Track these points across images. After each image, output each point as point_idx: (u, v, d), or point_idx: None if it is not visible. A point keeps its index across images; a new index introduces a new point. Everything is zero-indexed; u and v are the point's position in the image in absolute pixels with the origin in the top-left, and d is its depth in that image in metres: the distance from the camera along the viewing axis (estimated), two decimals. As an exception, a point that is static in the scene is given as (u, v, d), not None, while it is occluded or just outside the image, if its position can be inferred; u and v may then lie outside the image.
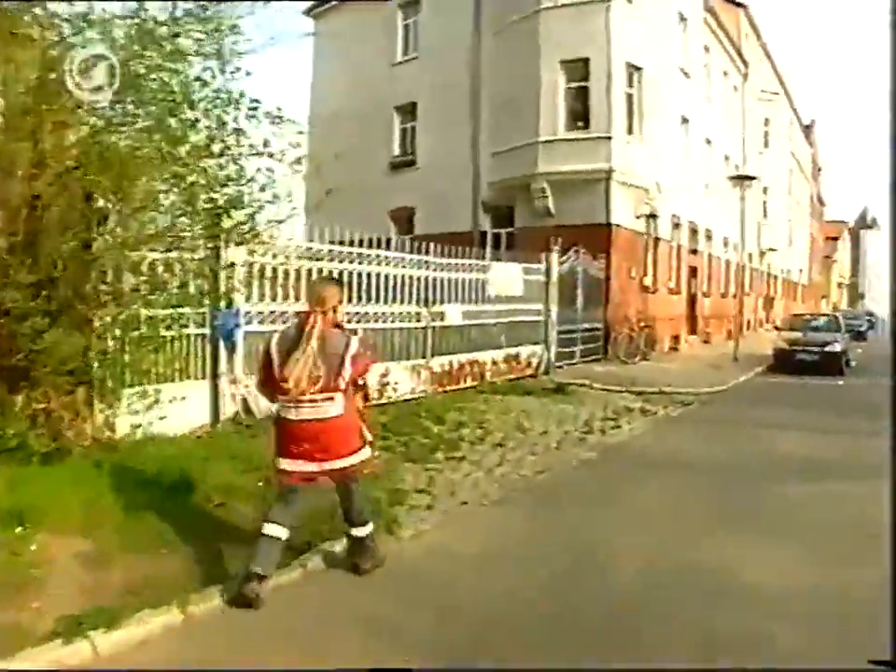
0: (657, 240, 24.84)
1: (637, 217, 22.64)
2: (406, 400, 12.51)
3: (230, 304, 9.73)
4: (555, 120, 21.60)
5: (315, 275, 11.17)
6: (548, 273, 17.33)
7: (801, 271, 58.66)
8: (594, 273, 20.00)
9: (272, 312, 10.46)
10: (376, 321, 12.22)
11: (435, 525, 6.64)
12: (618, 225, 21.42)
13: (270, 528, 4.99)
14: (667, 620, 4.79)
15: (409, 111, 27.89)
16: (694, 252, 29.49)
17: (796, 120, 55.33)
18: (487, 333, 15.24)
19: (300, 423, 4.97)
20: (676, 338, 26.58)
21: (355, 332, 5.85)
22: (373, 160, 28.08)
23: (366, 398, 5.69)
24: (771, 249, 41.98)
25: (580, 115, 21.64)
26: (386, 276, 12.51)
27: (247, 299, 10.12)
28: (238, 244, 8.67)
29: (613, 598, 5.13)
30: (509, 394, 14.12)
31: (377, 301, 12.34)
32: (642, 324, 21.89)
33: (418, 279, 13.23)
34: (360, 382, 5.39)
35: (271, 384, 5.09)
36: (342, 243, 11.95)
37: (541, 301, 17.26)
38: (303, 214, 10.78)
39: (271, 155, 8.00)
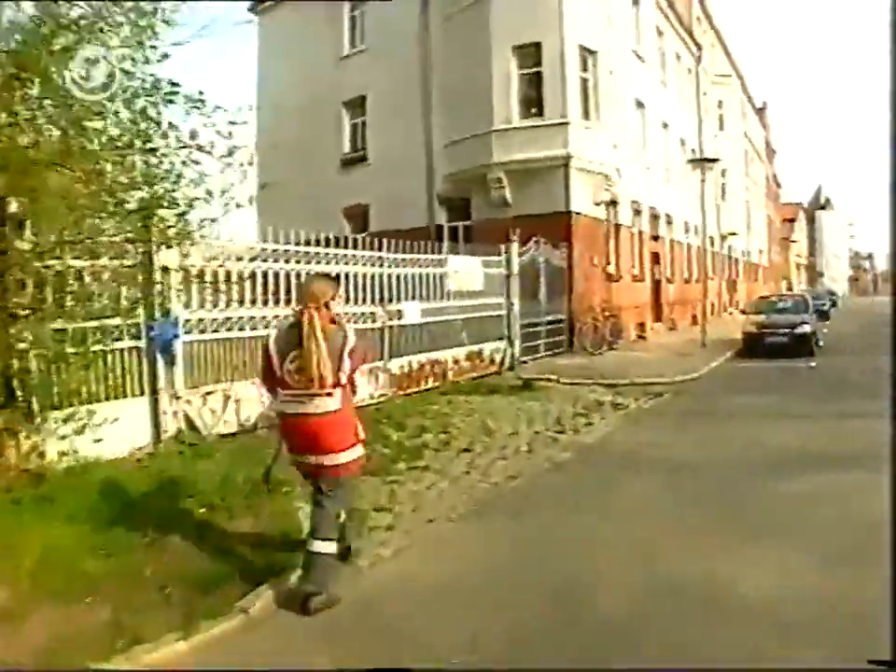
0: (618, 227, 24.33)
1: (597, 204, 22.09)
2: (363, 407, 11.84)
3: (166, 313, 9.00)
4: (509, 108, 20.98)
5: (260, 277, 10.52)
6: (508, 264, 16.70)
7: (761, 252, 58.80)
8: (556, 264, 19.42)
9: (214, 319, 9.74)
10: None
11: (397, 549, 5.92)
12: (578, 213, 20.84)
13: (310, 545, 4.94)
14: (664, 648, 4.18)
15: (358, 105, 27.11)
16: (656, 238, 29.10)
17: (749, 103, 55.30)
18: (448, 331, 14.59)
19: (300, 417, 4.90)
20: (641, 326, 26.12)
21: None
22: (324, 157, 27.38)
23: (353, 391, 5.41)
24: (732, 233, 41.84)
25: (534, 102, 21.04)
26: (337, 275, 11.79)
27: (186, 306, 9.39)
28: (168, 246, 7.93)
29: (602, 633, 4.44)
30: (473, 394, 13.46)
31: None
32: (607, 313, 21.37)
33: (372, 277, 12.54)
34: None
35: (271, 381, 5.05)
36: (298, 243, 11.32)
37: (503, 295, 16.63)
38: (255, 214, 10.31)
39: (200, 148, 7.32)
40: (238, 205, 7.69)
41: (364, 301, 12.35)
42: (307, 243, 11.62)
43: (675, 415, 11.96)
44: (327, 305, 4.95)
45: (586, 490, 7.63)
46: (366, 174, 26.14)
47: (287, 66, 28.24)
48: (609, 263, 23.32)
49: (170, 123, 7.08)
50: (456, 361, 14.69)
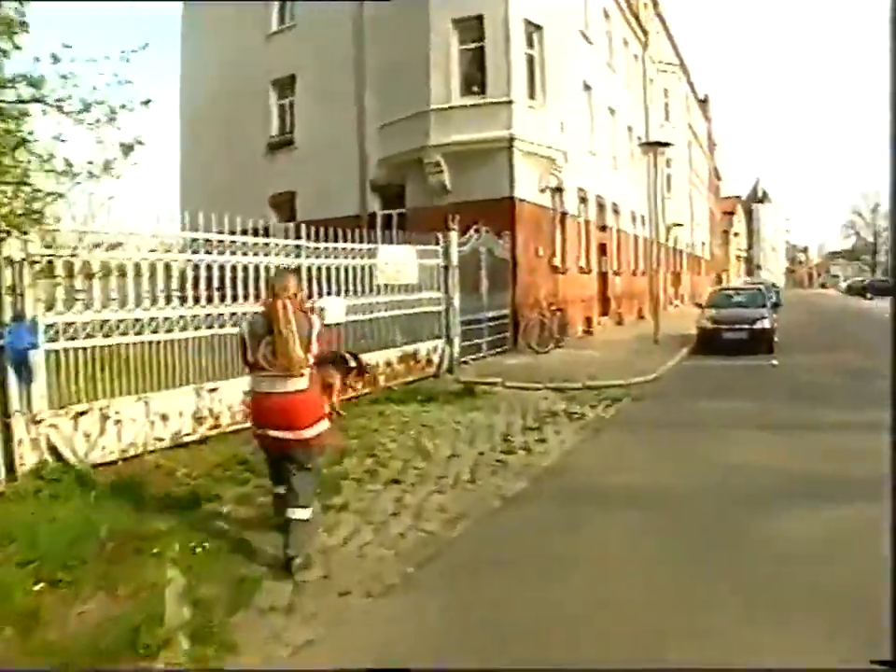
0: (564, 215, 22.76)
1: (543, 191, 20.51)
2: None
3: (19, 317, 7.14)
4: (449, 87, 19.25)
5: (147, 270, 8.72)
6: (447, 255, 15.01)
7: (703, 245, 58.18)
8: (499, 254, 17.79)
9: (87, 323, 7.91)
10: (221, 325, 9.66)
11: (295, 646, 4.25)
12: (522, 199, 19.22)
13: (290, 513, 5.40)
14: None
15: (287, 85, 25.15)
16: (603, 228, 27.66)
17: (692, 95, 54.47)
18: (379, 329, 12.88)
19: (275, 396, 5.36)
20: (588, 321, 24.67)
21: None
22: (251, 141, 25.41)
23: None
24: (677, 224, 40.82)
25: (476, 79, 19.36)
26: (246, 267, 10.00)
27: (49, 307, 7.53)
28: (7, 232, 6.11)
29: None
30: (407, 402, 11.78)
31: (231, 299, 9.82)
32: (553, 308, 19.81)
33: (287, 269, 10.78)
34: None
35: (247, 363, 5.56)
36: (220, 232, 9.75)
37: (441, 289, 14.95)
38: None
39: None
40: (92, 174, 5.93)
41: (257, 297, 10.56)
42: (233, 233, 9.93)
43: (638, 427, 10.47)
44: (295, 295, 5.51)
45: (549, 540, 5.97)
46: (294, 159, 24.28)
47: (212, 44, 26.34)
48: (554, 254, 21.76)
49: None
50: (389, 364, 12.99)
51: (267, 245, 10.42)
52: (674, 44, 45.57)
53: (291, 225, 11.51)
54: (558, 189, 21.61)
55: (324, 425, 5.58)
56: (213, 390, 9.31)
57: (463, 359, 15.44)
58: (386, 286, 13.06)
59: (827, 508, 6.36)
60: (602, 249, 27.59)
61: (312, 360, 5.36)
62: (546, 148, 19.78)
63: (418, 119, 19.46)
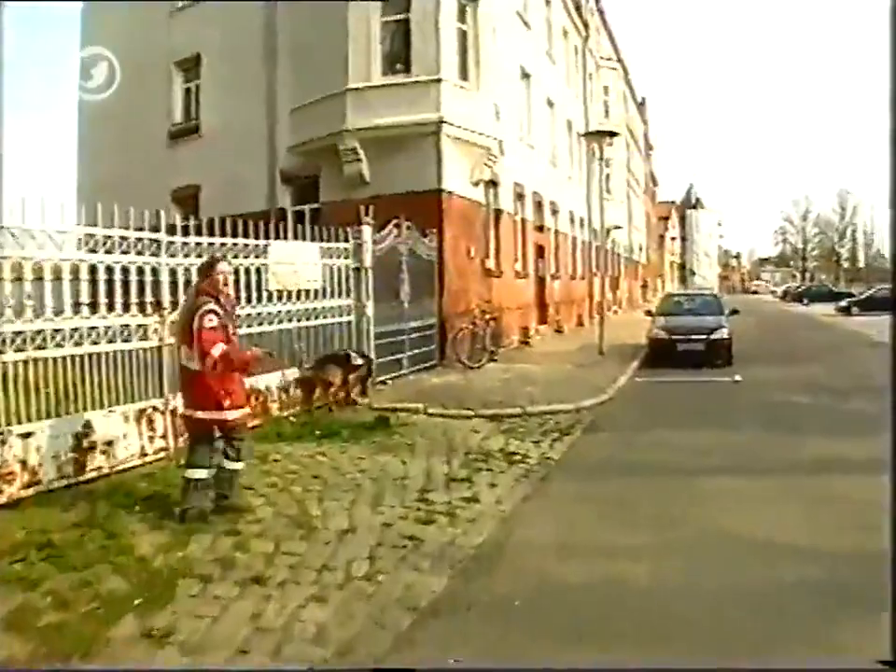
0: (499, 212, 20.44)
1: (476, 184, 18.17)
2: (127, 470, 7.67)
3: None
4: (368, 63, 16.80)
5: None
6: (358, 254, 12.56)
7: (641, 249, 56.72)
8: (424, 255, 15.39)
9: None
10: (59, 343, 7.20)
11: None
12: (452, 193, 16.88)
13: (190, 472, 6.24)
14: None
15: (192, 67, 22.33)
16: (541, 229, 25.40)
17: (630, 95, 52.89)
18: (270, 346, 10.37)
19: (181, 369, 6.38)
20: (525, 330, 22.37)
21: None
22: (154, 129, 22.53)
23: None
24: (616, 227, 39.00)
25: (400, 56, 16.98)
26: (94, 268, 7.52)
27: None
28: None
29: None
30: (302, 439, 9.29)
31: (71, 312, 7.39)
32: (487, 316, 17.49)
33: (141, 271, 8.26)
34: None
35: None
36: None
37: (351, 294, 12.49)
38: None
39: None
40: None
41: (127, 307, 8.08)
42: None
43: (595, 474, 8.16)
44: (208, 274, 6.34)
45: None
46: (199, 148, 21.40)
47: (112, 21, 23.16)
48: (488, 256, 19.43)
49: None
50: (284, 389, 10.51)
51: (109, 238, 7.87)
52: (613, 41, 43.89)
53: (182, 225, 9.14)
54: (493, 183, 19.34)
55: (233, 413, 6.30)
56: (25, 435, 6.82)
57: (381, 378, 13.02)
58: (280, 292, 10.58)
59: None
60: (540, 251, 25.39)
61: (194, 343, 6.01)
62: (479, 136, 17.43)
63: (334, 100, 16.99)
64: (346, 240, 12.28)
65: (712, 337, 16.99)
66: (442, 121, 16.28)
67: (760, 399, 12.69)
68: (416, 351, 14.85)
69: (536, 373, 15.37)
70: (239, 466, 6.48)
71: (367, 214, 12.75)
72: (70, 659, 3.91)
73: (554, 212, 27.51)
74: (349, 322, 12.33)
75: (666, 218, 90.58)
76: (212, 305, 6.10)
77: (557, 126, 28.31)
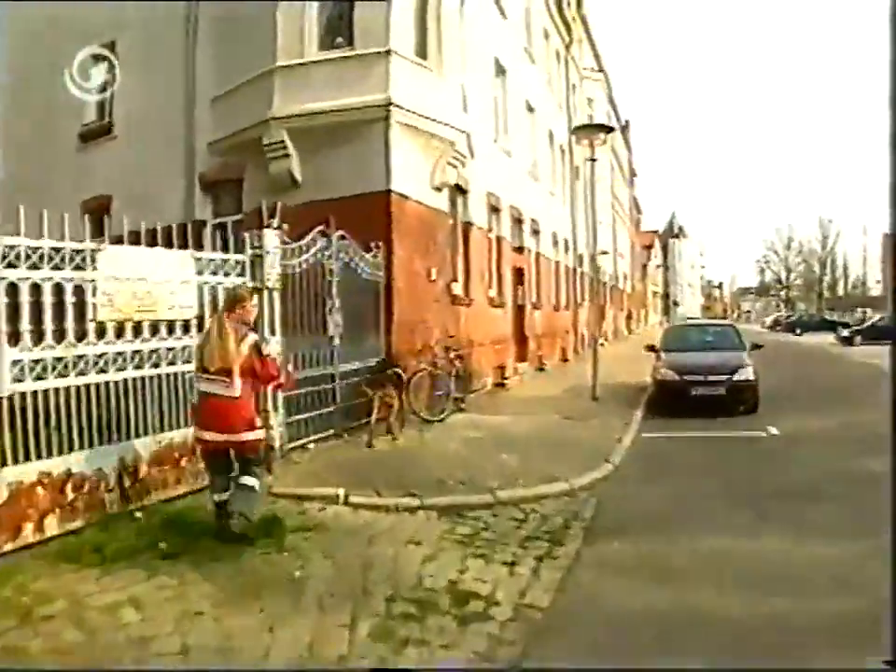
0: (468, 226, 16.77)
1: (438, 189, 14.45)
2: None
3: None
4: (302, 36, 13.22)
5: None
6: (256, 269, 8.89)
7: (626, 277, 53.60)
8: (366, 275, 11.77)
9: None
10: None
11: None
12: (405, 196, 13.19)
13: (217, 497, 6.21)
14: None
15: (105, 56, 18.76)
16: (520, 250, 21.71)
17: (614, 114, 49.79)
18: (102, 405, 6.66)
19: (210, 397, 6.10)
20: (502, 369, 18.70)
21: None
22: (65, 130, 18.90)
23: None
24: (603, 252, 35.63)
25: (340, 26, 13.38)
26: None
27: None
28: None
29: None
30: (135, 557, 5.58)
31: None
32: (452, 354, 13.84)
33: None
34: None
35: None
36: None
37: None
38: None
39: None
40: None
41: None
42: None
43: (620, 650, 4.43)
44: (234, 309, 6.21)
45: None
46: (112, 152, 17.73)
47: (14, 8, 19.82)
48: (455, 279, 15.74)
49: None
50: (131, 469, 6.79)
51: None
52: (597, 55, 40.80)
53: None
54: (460, 189, 15.72)
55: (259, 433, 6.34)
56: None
57: (293, 445, 9.32)
58: (120, 323, 6.89)
59: None
60: (519, 276, 21.68)
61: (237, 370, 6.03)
62: (439, 125, 13.73)
63: (260, 83, 13.39)
64: (241, 249, 8.61)
65: (735, 378, 13.54)
66: (391, 103, 12.61)
67: (812, 467, 9.26)
68: (352, 403, 11.02)
69: (513, 430, 11.70)
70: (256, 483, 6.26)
71: (273, 216, 9.09)
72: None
73: (535, 232, 23.88)
74: (240, 367, 8.56)
75: (650, 247, 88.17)
76: (255, 335, 6.34)
77: (538, 135, 24.82)
